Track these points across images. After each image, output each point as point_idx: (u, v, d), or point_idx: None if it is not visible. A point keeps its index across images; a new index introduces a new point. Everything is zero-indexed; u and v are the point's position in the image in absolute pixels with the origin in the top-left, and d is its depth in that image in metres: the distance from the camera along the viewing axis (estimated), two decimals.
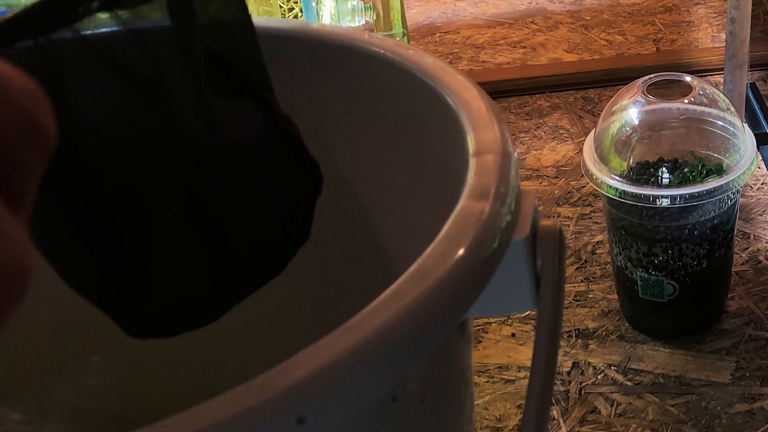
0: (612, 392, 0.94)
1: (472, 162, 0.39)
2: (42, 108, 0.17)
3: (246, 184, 0.38)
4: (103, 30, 0.35)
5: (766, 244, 1.11)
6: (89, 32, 0.35)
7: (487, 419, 0.92)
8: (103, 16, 0.35)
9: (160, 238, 0.38)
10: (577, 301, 1.06)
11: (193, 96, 0.36)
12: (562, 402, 0.93)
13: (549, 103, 1.45)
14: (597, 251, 1.13)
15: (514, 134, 1.38)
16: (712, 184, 0.89)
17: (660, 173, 0.92)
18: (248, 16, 0.38)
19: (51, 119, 0.18)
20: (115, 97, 0.36)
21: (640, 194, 0.90)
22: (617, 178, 0.91)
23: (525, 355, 0.99)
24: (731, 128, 0.94)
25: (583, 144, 0.97)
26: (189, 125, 0.36)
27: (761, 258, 1.09)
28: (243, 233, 0.39)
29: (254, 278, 0.40)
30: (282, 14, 1.35)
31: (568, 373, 0.97)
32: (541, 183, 1.27)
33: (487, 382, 0.96)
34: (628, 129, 0.95)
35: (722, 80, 1.24)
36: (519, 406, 0.93)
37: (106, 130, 0.37)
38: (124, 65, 0.36)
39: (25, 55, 0.33)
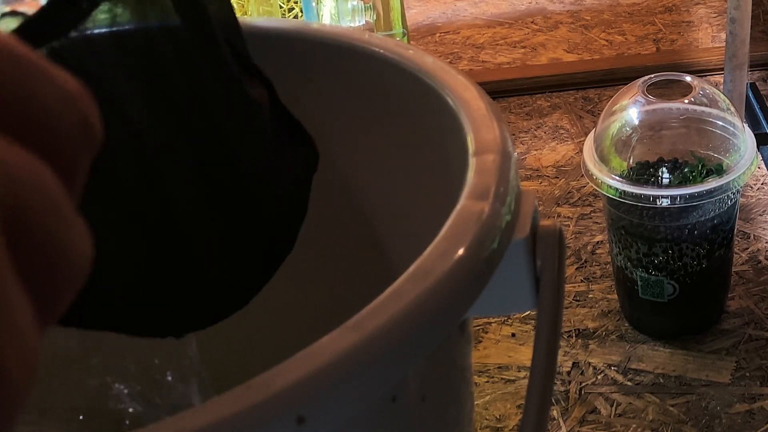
0: (612, 392, 0.94)
1: (472, 162, 0.39)
2: (92, 108, 0.18)
3: (260, 160, 0.39)
4: (113, 27, 0.35)
5: (766, 244, 1.11)
6: (97, 32, 0.35)
7: (487, 419, 0.92)
8: (104, 15, 0.35)
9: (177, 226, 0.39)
10: (577, 301, 1.06)
11: (221, 71, 0.37)
12: (562, 402, 0.93)
13: (549, 103, 1.45)
14: (597, 251, 1.13)
15: (514, 134, 1.38)
16: (712, 184, 0.89)
17: (660, 173, 0.92)
18: (233, 12, 0.39)
19: (99, 118, 0.18)
20: (141, 90, 0.37)
21: (640, 194, 0.90)
22: (617, 178, 0.91)
23: (525, 355, 0.99)
24: (731, 128, 0.94)
25: (583, 144, 0.97)
26: (222, 102, 0.38)
27: (761, 258, 1.09)
28: (254, 213, 0.40)
29: (268, 259, 0.41)
30: (282, 14, 1.35)
31: (568, 373, 0.96)
32: (541, 183, 1.27)
33: (487, 382, 0.96)
34: (628, 129, 0.95)
35: (722, 80, 1.24)
36: (519, 406, 0.93)
37: (139, 123, 0.38)
38: (145, 56, 0.37)
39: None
